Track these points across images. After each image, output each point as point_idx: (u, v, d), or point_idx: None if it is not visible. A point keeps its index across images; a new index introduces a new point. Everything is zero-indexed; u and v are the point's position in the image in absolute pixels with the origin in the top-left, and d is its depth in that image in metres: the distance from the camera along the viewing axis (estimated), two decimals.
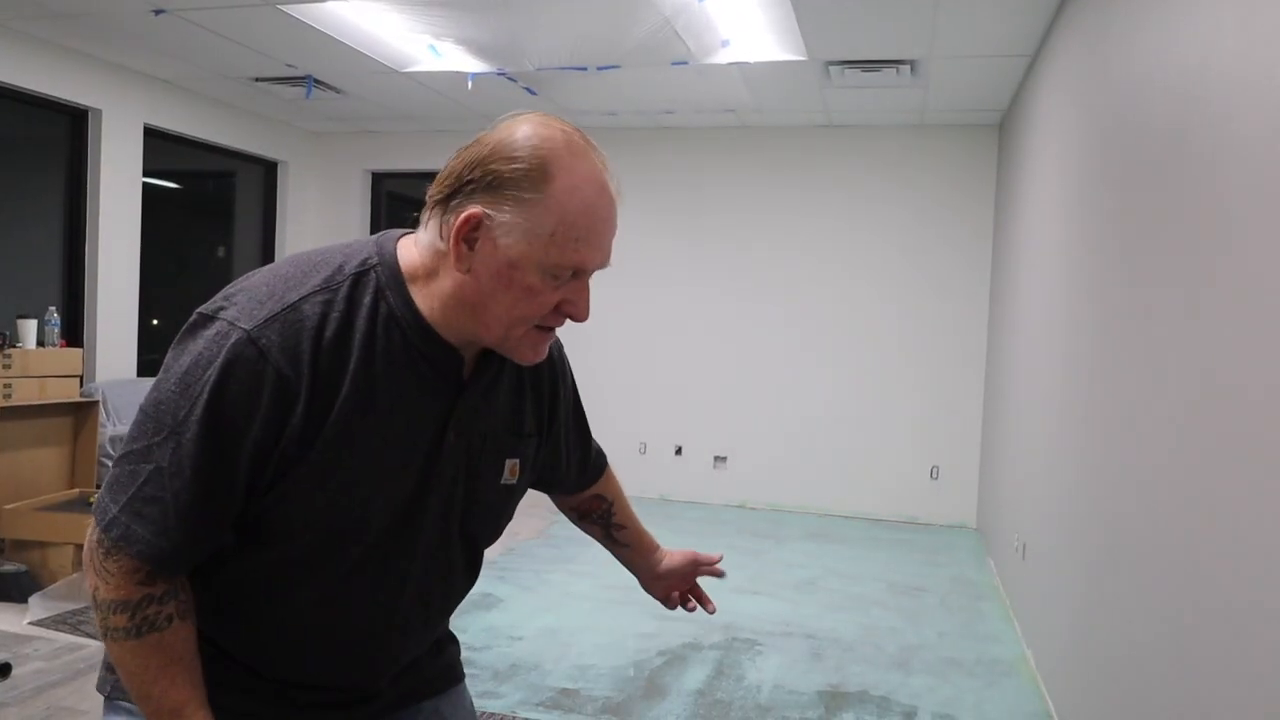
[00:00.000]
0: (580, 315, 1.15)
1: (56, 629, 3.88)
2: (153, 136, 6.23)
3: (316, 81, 6.01)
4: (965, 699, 3.56)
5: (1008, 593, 4.77)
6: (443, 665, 1.41)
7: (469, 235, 1.09)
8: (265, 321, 1.07)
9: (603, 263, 1.14)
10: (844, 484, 6.84)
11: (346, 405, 1.10)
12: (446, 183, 1.11)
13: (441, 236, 1.11)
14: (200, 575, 1.15)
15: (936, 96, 5.81)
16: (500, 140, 1.09)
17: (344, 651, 1.23)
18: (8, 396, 4.63)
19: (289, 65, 5.67)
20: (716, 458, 7.10)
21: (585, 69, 5.43)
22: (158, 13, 4.73)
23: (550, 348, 1.35)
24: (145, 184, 6.18)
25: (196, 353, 1.07)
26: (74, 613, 4.04)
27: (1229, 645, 1.77)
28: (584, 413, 1.51)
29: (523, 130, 1.10)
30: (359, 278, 1.13)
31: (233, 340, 1.06)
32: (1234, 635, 1.74)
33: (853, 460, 6.82)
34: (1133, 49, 2.78)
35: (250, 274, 1.16)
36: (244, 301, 1.10)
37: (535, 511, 6.54)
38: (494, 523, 1.33)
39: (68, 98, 5.57)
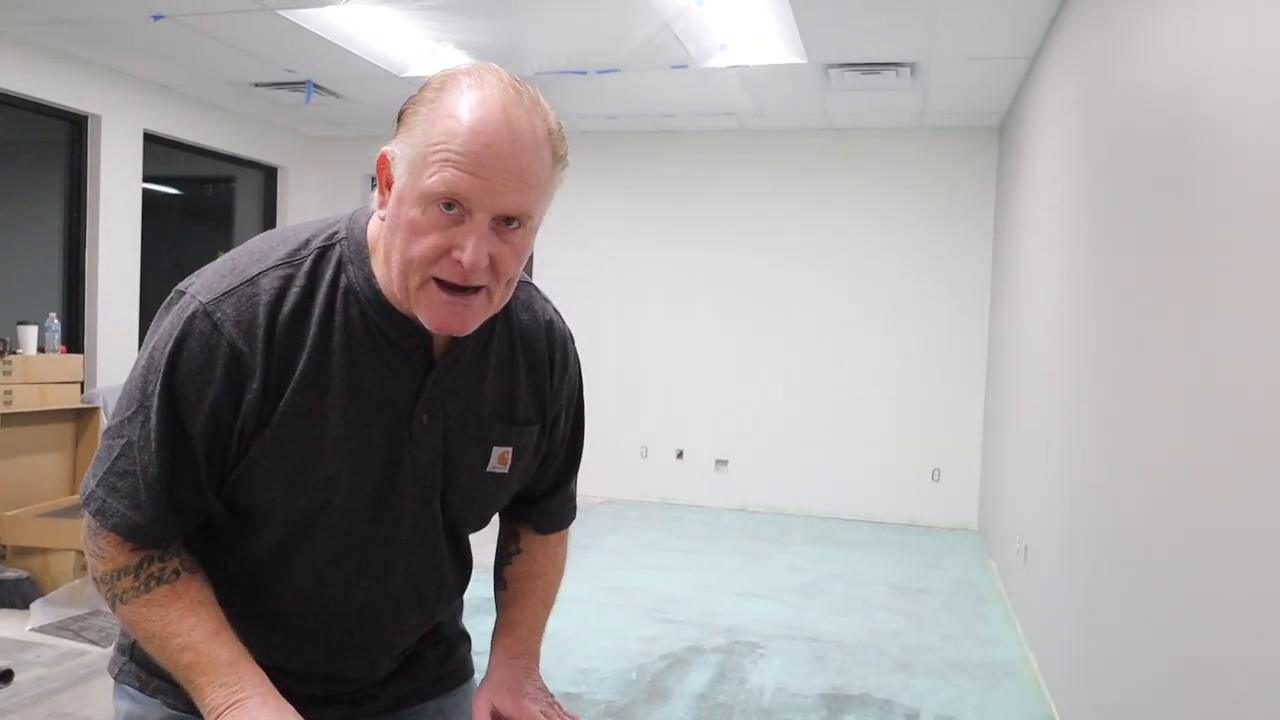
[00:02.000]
0: (466, 261, 1.00)
1: (59, 635, 3.87)
2: (152, 142, 6.23)
3: (316, 86, 6.01)
4: (967, 701, 3.55)
5: (1009, 595, 4.77)
6: (452, 665, 1.39)
7: (386, 179, 1.06)
8: (222, 295, 1.06)
9: (491, 203, 1.00)
10: (845, 487, 6.84)
11: (302, 382, 1.08)
12: None
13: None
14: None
15: (936, 99, 5.82)
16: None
17: (338, 640, 1.21)
18: (8, 403, 4.63)
19: (288, 70, 5.67)
20: (718, 461, 7.09)
21: (585, 73, 5.43)
22: (157, 18, 4.73)
23: (560, 339, 1.29)
24: (145, 189, 6.18)
25: (163, 328, 1.08)
26: (76, 619, 4.03)
27: (1231, 647, 1.76)
28: (581, 434, 1.37)
29: (450, 69, 1.07)
30: (324, 252, 1.11)
31: (189, 312, 1.06)
32: (1236, 637, 1.74)
33: (854, 463, 6.82)
34: (1133, 50, 2.78)
35: (231, 251, 1.15)
36: (209, 276, 1.09)
37: None
38: (478, 510, 1.27)
39: (67, 104, 5.57)
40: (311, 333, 1.08)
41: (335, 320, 1.09)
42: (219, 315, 1.05)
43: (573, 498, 1.42)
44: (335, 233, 1.13)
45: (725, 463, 7.08)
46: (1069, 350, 3.53)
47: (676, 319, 7.15)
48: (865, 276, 6.79)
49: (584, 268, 7.23)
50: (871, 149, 6.77)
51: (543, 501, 1.37)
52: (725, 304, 7.05)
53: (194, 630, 1.07)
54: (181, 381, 1.05)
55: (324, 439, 1.10)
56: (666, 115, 6.55)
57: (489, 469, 1.22)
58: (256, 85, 6.05)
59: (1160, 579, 2.24)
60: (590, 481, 7.15)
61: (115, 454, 1.08)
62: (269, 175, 7.52)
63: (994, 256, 6.45)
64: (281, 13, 4.58)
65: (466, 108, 1.00)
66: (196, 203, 8.17)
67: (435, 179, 0.99)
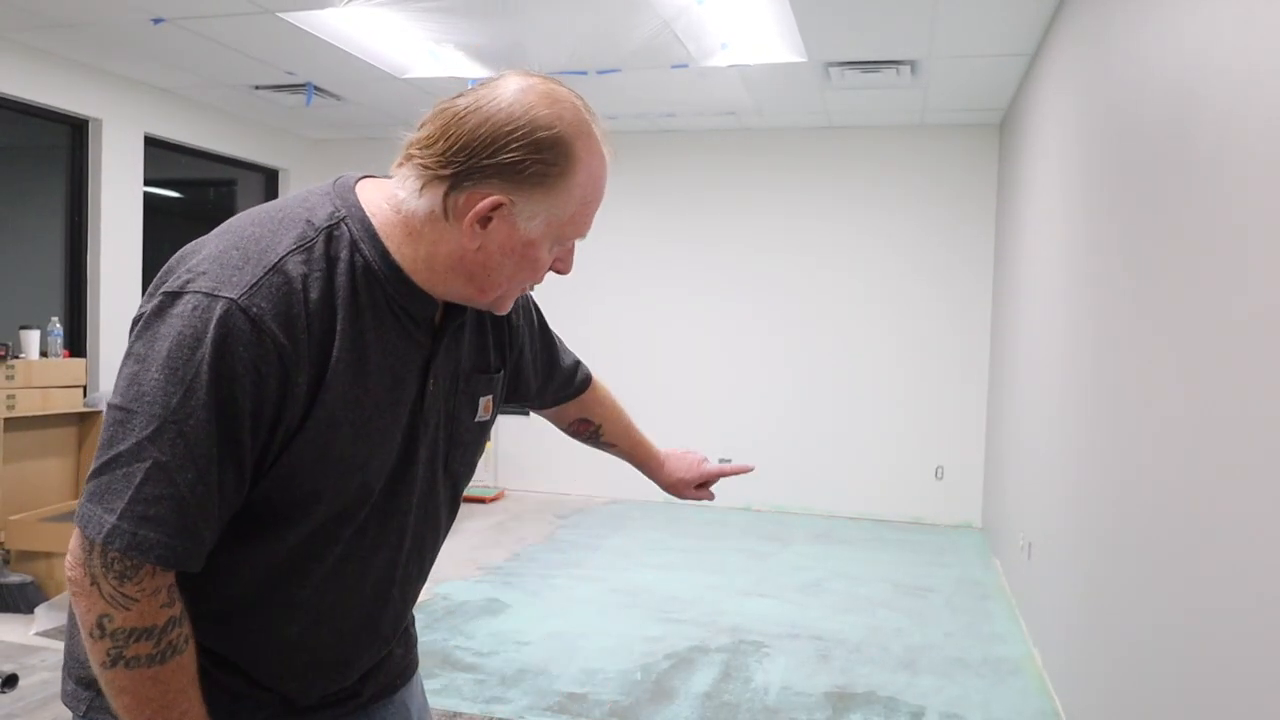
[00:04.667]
0: (567, 270, 1.19)
1: (63, 639, 3.87)
2: (153, 146, 6.24)
3: (317, 89, 6.01)
4: (972, 698, 3.55)
5: (1013, 592, 4.77)
6: (411, 656, 1.41)
7: (485, 216, 1.08)
8: (251, 288, 1.00)
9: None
10: (848, 485, 6.84)
11: (339, 366, 1.06)
12: (454, 156, 1.05)
13: (447, 212, 1.08)
14: (211, 581, 1.10)
15: (936, 96, 5.82)
16: (515, 119, 1.05)
17: (353, 618, 1.21)
18: (11, 408, 4.64)
19: (289, 73, 5.67)
20: (721, 460, 7.06)
21: (585, 73, 5.43)
22: (157, 22, 4.74)
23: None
24: (146, 193, 6.18)
25: (176, 332, 0.98)
26: None
27: (1235, 642, 1.76)
28: (552, 338, 1.53)
29: (541, 113, 1.06)
30: (331, 231, 1.08)
31: (220, 312, 0.98)
32: (1240, 632, 1.74)
33: (857, 462, 6.82)
34: (1133, 46, 2.78)
35: (199, 242, 1.08)
36: (216, 269, 1.01)
37: (541, 517, 6.55)
38: (472, 460, 1.33)
39: (68, 108, 5.57)
40: (340, 316, 1.06)
41: (361, 301, 1.09)
42: (256, 311, 0.99)
43: (577, 361, 1.62)
44: (333, 211, 1.11)
45: (728, 462, 7.04)
46: (1071, 346, 3.53)
47: (677, 319, 7.15)
48: (867, 274, 6.78)
49: (585, 268, 7.19)
50: (872, 147, 6.76)
51: (564, 384, 1.58)
52: (727, 303, 7.05)
53: (186, 715, 1.04)
54: (228, 390, 0.98)
55: (362, 421, 1.10)
56: (667, 115, 6.55)
57: (477, 419, 1.30)
58: (257, 88, 6.06)
59: (1164, 574, 2.24)
60: (594, 482, 7.22)
61: (139, 479, 0.97)
62: (270, 178, 7.52)
63: (995, 253, 6.44)
64: (281, 15, 4.58)
65: (597, 175, 1.13)
66: (198, 206, 8.18)
67: (577, 230, 1.14)
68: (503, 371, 1.36)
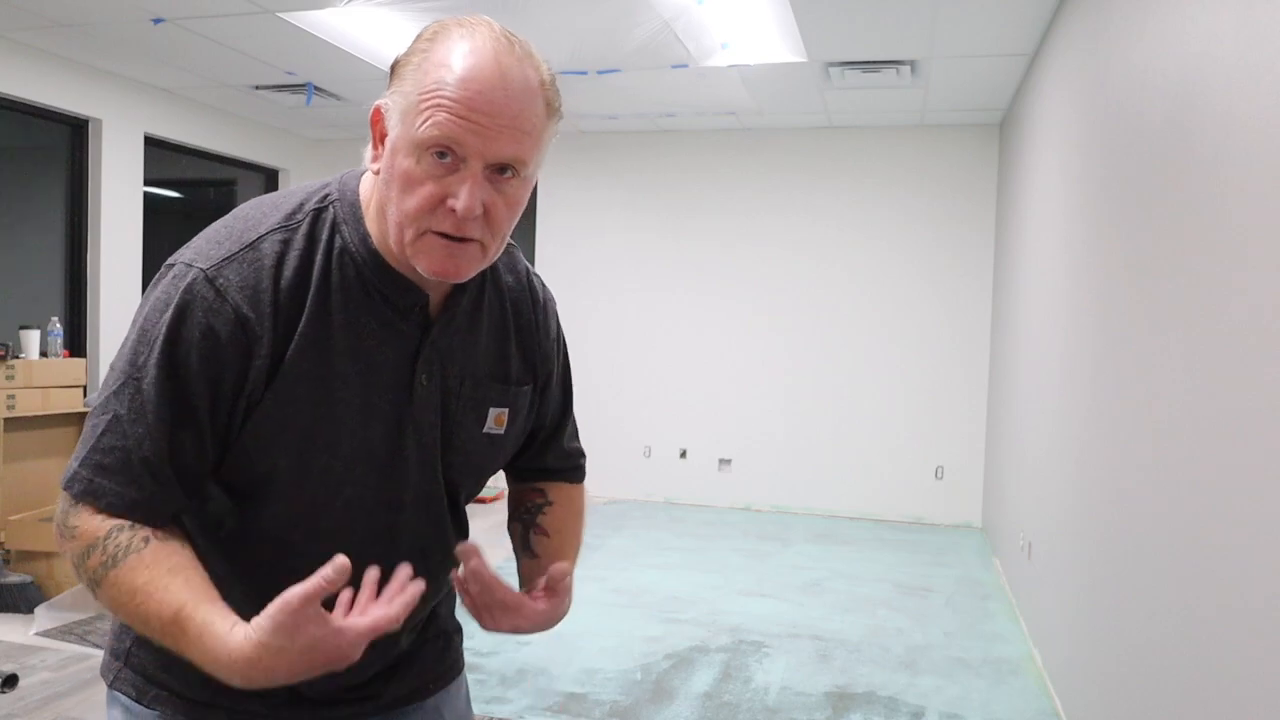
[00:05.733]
0: (460, 207, 1.00)
1: (63, 639, 3.88)
2: (153, 145, 6.24)
3: (316, 89, 6.01)
4: (972, 699, 3.55)
5: (1014, 592, 4.77)
6: (449, 660, 1.38)
7: (380, 133, 1.07)
8: (222, 261, 1.04)
9: (485, 150, 1.00)
10: (849, 485, 6.84)
11: (302, 344, 1.06)
12: None
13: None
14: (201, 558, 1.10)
15: (937, 97, 5.82)
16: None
17: None
18: (11, 408, 4.63)
19: (289, 73, 5.67)
20: (721, 460, 7.09)
21: (585, 73, 5.43)
22: (157, 21, 4.74)
23: (544, 300, 1.31)
24: (146, 193, 6.18)
25: (155, 298, 1.05)
26: (81, 623, 4.04)
27: (1235, 642, 1.76)
28: (570, 389, 1.39)
29: (441, 21, 1.08)
30: (318, 214, 1.11)
31: (188, 281, 1.03)
32: (1240, 632, 1.74)
33: (857, 461, 6.82)
34: (1133, 47, 2.78)
35: (215, 221, 1.13)
36: (201, 244, 1.07)
37: None
38: (475, 472, 1.26)
39: (68, 108, 5.57)
40: (310, 295, 1.07)
41: (333, 281, 1.09)
42: (222, 282, 1.03)
43: (579, 451, 1.43)
44: (327, 194, 1.13)
45: (728, 462, 7.08)
46: (1071, 346, 3.53)
47: (678, 318, 7.15)
48: (867, 274, 6.78)
49: (585, 267, 7.23)
50: (872, 147, 6.77)
51: (553, 457, 1.39)
52: (727, 303, 7.05)
53: (162, 606, 0.97)
54: (184, 350, 1.02)
55: (326, 402, 1.08)
56: (667, 115, 6.55)
57: (485, 430, 1.23)
58: (257, 88, 6.06)
59: (1164, 574, 2.24)
60: (593, 482, 7.13)
61: (100, 430, 1.02)
62: (270, 178, 7.52)
63: (996, 253, 6.45)
64: (282, 15, 4.58)
65: (459, 56, 1.01)
66: (198, 206, 8.18)
67: (428, 124, 0.99)
68: (529, 388, 1.28)
